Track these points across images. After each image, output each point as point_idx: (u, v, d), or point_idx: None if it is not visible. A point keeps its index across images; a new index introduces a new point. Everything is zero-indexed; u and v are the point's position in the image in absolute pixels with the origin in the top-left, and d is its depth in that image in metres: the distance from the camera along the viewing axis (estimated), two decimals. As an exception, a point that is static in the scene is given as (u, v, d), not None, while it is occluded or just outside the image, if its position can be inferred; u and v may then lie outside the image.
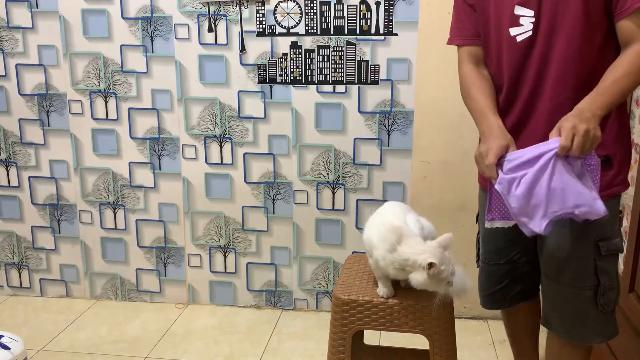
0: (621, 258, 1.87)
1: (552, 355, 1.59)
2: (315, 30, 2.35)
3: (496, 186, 1.34)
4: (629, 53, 1.32)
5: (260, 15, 2.37)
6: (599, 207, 1.27)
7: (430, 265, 1.32)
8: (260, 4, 2.36)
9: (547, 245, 1.48)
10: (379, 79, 2.36)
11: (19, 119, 2.62)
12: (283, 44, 2.38)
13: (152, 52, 2.47)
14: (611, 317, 1.47)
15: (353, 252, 2.49)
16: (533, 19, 1.38)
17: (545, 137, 1.31)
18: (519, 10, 1.40)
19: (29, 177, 2.68)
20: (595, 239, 1.41)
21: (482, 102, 1.48)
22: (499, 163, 1.34)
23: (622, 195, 1.51)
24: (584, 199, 1.27)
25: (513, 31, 1.42)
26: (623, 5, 1.31)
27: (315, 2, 2.32)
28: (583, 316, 1.46)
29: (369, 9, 2.30)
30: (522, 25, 1.40)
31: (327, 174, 2.49)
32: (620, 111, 1.42)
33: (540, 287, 1.62)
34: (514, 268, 1.63)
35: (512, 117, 1.48)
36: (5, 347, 1.73)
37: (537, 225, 1.30)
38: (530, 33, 1.39)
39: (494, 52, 1.50)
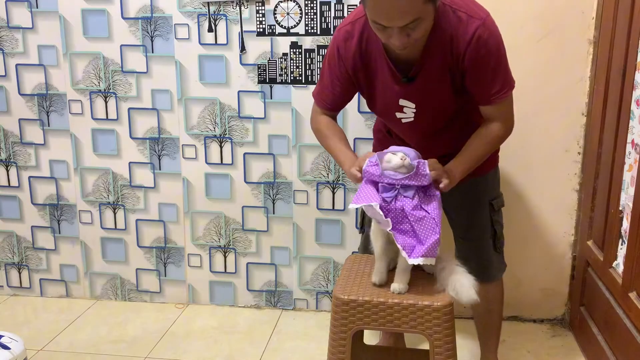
0: (621, 258, 1.87)
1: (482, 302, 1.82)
2: (315, 30, 2.35)
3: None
4: (487, 128, 1.65)
5: (260, 15, 2.37)
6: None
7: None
8: (260, 4, 2.36)
9: (454, 213, 1.89)
10: (379, 79, 2.36)
11: (19, 119, 2.62)
12: (283, 44, 2.38)
13: (152, 52, 2.47)
14: (502, 255, 1.93)
15: (353, 252, 2.49)
16: (414, 110, 1.68)
17: None
18: (402, 102, 1.67)
19: (29, 177, 2.68)
20: (489, 200, 1.85)
21: (338, 142, 1.72)
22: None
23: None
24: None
25: (398, 115, 1.71)
26: (483, 98, 1.62)
27: (315, 2, 2.32)
28: (489, 260, 1.88)
29: (369, 9, 2.29)
30: (405, 113, 1.69)
31: (327, 174, 2.49)
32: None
33: None
34: None
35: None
36: (5, 347, 1.73)
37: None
38: (412, 118, 1.70)
39: (385, 122, 1.86)
